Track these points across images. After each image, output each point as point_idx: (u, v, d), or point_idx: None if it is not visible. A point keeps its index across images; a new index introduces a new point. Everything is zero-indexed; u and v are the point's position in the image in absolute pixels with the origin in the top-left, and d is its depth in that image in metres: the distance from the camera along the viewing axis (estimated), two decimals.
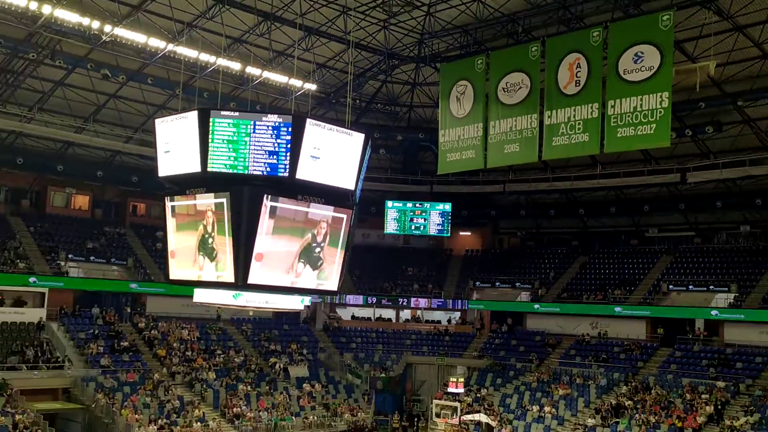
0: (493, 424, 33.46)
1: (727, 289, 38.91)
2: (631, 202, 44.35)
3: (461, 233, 51.67)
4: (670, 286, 41.22)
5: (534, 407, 37.00)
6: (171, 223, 18.94)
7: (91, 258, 40.48)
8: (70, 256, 39.62)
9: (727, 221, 42.93)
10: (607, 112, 25.90)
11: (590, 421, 34.40)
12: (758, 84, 32.89)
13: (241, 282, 17.47)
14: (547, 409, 36.44)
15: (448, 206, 47.67)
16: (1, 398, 30.36)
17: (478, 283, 48.44)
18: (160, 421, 32.36)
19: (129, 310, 40.85)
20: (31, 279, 36.48)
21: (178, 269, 19.01)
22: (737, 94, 33.48)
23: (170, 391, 35.17)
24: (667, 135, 25.27)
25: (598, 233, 48.77)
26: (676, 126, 31.79)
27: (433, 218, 48.03)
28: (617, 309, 41.09)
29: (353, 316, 49.82)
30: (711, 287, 39.73)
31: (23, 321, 35.88)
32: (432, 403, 37.79)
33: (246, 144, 16.94)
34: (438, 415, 35.98)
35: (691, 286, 40.54)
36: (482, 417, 33.18)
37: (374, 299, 48.57)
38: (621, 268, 45.51)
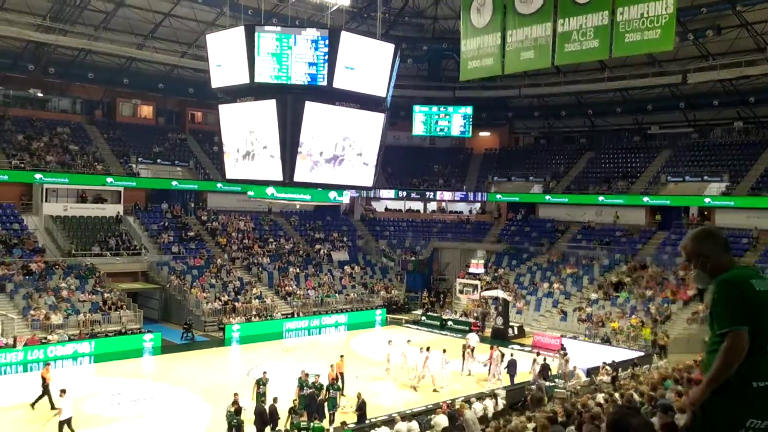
0: (509, 298, 34.11)
1: (719, 179, 38.26)
2: (635, 102, 43.11)
3: (481, 134, 51.01)
4: (668, 178, 40.61)
5: (544, 284, 37.55)
6: (225, 128, 18.98)
7: (158, 161, 40.96)
8: (139, 159, 40.13)
9: (723, 118, 41.66)
10: (616, 19, 24.74)
11: (593, 296, 34.88)
12: None
13: (288, 179, 17.62)
14: (555, 285, 36.96)
15: (469, 109, 46.88)
16: (91, 280, 31.66)
17: (495, 177, 48.21)
18: (224, 297, 33.60)
19: (193, 205, 41.66)
20: (108, 179, 37.19)
21: (233, 169, 19.20)
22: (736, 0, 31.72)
23: (231, 273, 36.29)
24: (671, 39, 24.07)
25: (604, 131, 47.85)
26: (679, 30, 30.29)
27: (456, 121, 47.36)
28: (620, 199, 40.89)
29: (386, 208, 50.28)
30: (705, 178, 39.07)
31: (104, 215, 36.86)
32: (456, 282, 38.51)
33: (288, 56, 16.67)
34: (461, 292, 36.72)
35: (687, 177, 39.89)
36: (499, 293, 33.78)
37: (404, 193, 48.82)
38: (624, 162, 44.82)
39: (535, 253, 41.41)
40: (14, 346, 24.91)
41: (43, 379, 19.48)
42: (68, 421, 16.85)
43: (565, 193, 43.84)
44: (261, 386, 18.12)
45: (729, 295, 2.98)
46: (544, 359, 23.18)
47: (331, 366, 20.59)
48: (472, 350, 24.80)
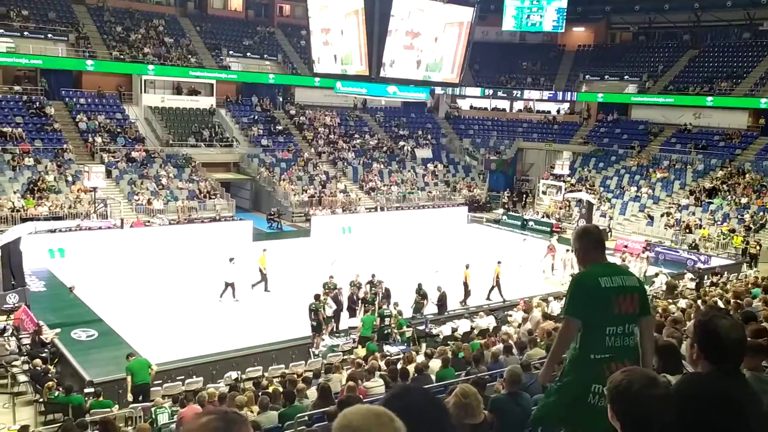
0: (593, 201, 33.33)
1: None
2: None
3: (574, 29, 48.27)
4: None
5: (632, 188, 36.40)
6: (313, 22, 18.79)
7: (247, 54, 41.30)
8: (230, 52, 40.56)
9: None
10: None
11: (684, 201, 33.60)
12: None
13: (374, 75, 17.44)
14: (644, 190, 35.76)
15: (563, 2, 44.07)
16: (188, 169, 33.13)
17: (587, 76, 45.97)
18: (310, 190, 34.52)
19: (281, 99, 42.13)
20: (201, 72, 37.96)
21: (321, 64, 19.15)
22: None
23: (318, 167, 37.03)
24: None
25: (710, 27, 44.25)
26: None
27: (549, 15, 44.76)
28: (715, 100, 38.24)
29: (471, 106, 49.27)
30: None
31: (198, 107, 37.95)
32: (539, 183, 37.89)
33: None
34: (544, 193, 36.18)
35: None
36: (584, 195, 33.06)
37: (491, 91, 47.52)
38: (730, 61, 41.59)
39: (625, 155, 39.90)
40: (121, 227, 26.73)
41: (261, 264, 20.74)
42: (232, 285, 19.30)
43: (662, 94, 41.45)
44: (328, 289, 18.14)
45: (574, 289, 3.69)
46: (622, 261, 22.92)
47: (467, 265, 20.28)
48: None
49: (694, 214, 32.28)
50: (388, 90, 20.41)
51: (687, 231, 30.58)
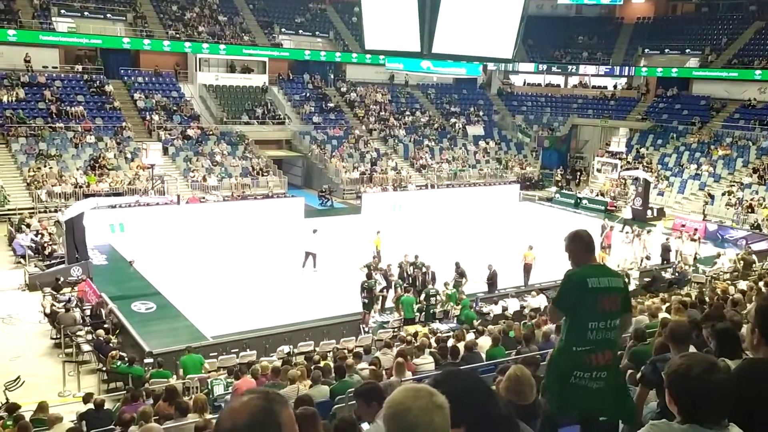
0: (651, 179, 32.39)
1: None
2: None
3: (634, 1, 46.62)
4: None
5: (692, 165, 35.21)
6: None
7: (299, 31, 41.40)
8: (282, 29, 40.73)
9: None
10: None
11: (746, 180, 32.35)
12: None
13: (426, 51, 17.21)
14: (704, 167, 34.56)
15: None
16: (241, 146, 33.65)
17: (646, 50, 44.43)
18: (361, 167, 34.60)
19: (332, 76, 42.16)
20: (254, 50, 38.29)
21: (373, 39, 19.01)
22: None
23: (368, 144, 37.06)
24: None
25: None
26: None
27: None
28: None
29: (525, 82, 48.33)
30: None
31: (251, 85, 38.36)
32: (594, 160, 37.03)
33: None
34: (599, 171, 35.37)
35: None
36: (640, 173, 32.14)
37: (545, 66, 46.50)
38: None
39: (685, 132, 38.55)
40: (177, 203, 27.41)
41: (376, 246, 21.02)
42: (314, 255, 20.26)
43: (725, 68, 39.76)
44: (370, 269, 18.02)
45: (564, 285, 4.06)
46: (667, 239, 22.49)
47: (531, 246, 19.70)
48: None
49: (757, 192, 31.07)
50: (422, 65, 20.08)
51: (749, 211, 29.49)
